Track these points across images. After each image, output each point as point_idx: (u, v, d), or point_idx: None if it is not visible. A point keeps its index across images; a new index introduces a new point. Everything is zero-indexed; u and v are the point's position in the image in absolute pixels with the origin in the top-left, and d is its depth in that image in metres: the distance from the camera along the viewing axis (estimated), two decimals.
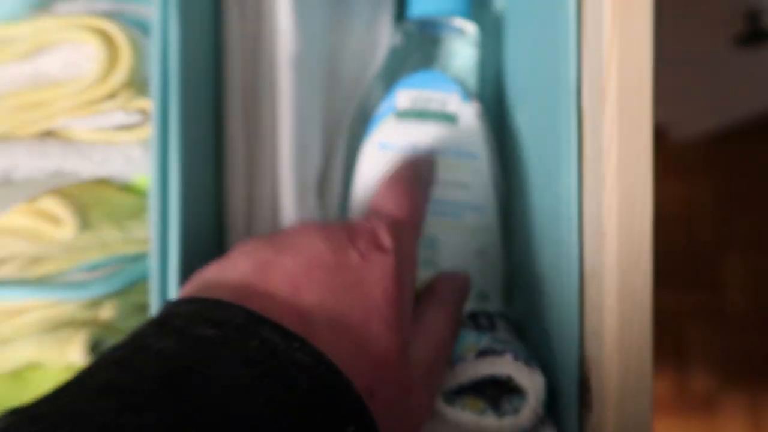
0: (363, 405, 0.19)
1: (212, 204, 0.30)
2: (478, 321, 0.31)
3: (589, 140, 0.24)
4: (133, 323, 0.30)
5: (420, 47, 0.36)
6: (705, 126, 1.11)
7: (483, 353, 0.26)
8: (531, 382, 0.24)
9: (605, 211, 0.22)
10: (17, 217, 0.28)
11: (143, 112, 0.28)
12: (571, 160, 0.25)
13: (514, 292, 0.34)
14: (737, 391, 1.24)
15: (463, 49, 0.36)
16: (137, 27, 0.29)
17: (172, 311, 0.21)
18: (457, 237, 0.33)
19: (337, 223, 0.25)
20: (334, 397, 0.19)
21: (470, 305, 0.32)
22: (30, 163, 0.28)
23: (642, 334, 0.21)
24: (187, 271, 0.26)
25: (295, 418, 0.18)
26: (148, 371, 0.18)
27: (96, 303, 0.30)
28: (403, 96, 0.34)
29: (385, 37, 0.38)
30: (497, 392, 0.25)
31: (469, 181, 0.33)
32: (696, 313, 1.25)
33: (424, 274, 0.32)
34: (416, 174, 0.28)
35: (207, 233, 0.29)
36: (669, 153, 1.24)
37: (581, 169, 0.24)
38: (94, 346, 0.28)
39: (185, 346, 0.19)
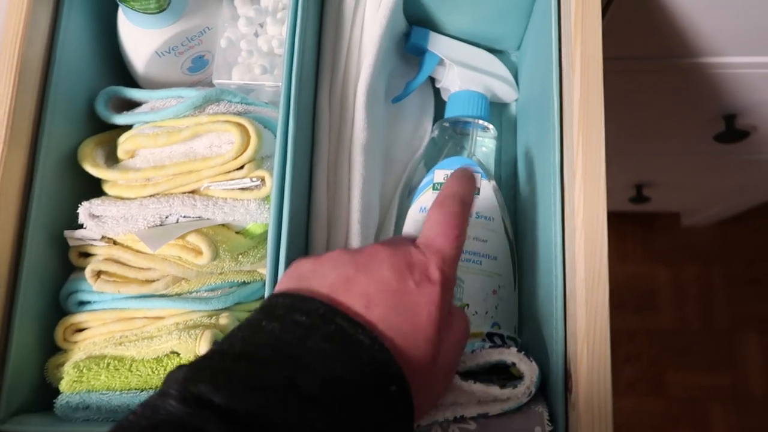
0: (402, 374, 0.28)
1: (303, 245, 0.41)
2: (493, 338, 0.41)
3: (567, 203, 0.35)
4: None
5: (453, 139, 0.48)
6: (713, 212, 1.20)
7: (491, 337, 0.36)
8: (528, 368, 0.34)
9: (576, 251, 0.33)
10: (169, 248, 0.40)
11: (260, 179, 0.41)
12: (557, 218, 0.36)
13: (522, 325, 0.44)
14: None
15: (484, 142, 0.49)
16: (259, 121, 0.42)
17: (274, 303, 0.29)
18: (477, 278, 0.43)
19: (400, 249, 0.32)
20: (383, 365, 0.27)
21: (486, 331, 0.42)
22: (181, 211, 0.40)
23: (601, 332, 0.31)
24: None
25: (358, 375, 0.27)
26: (264, 344, 0.27)
27: (214, 314, 0.41)
28: (439, 174, 0.46)
29: (428, 131, 0.51)
30: (503, 381, 0.35)
31: (487, 236, 0.44)
32: (717, 393, 1.28)
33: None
34: (462, 203, 0.32)
35: None
36: (681, 238, 1.33)
37: (563, 224, 0.36)
38: (214, 343, 0.39)
39: (286, 328, 0.28)
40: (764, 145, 0.74)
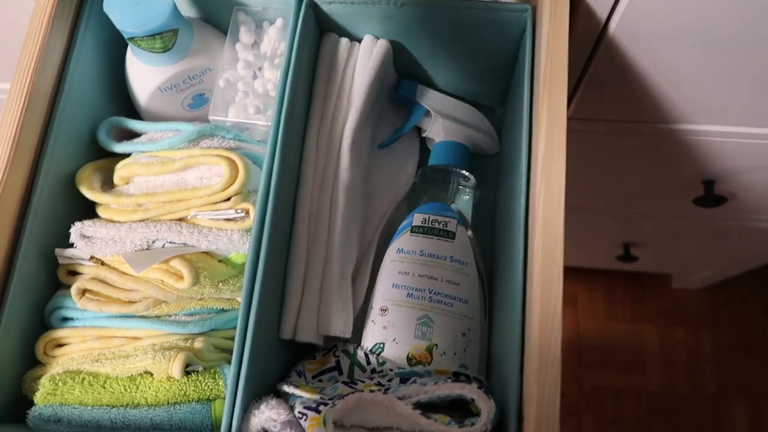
0: None
1: (281, 277, 0.43)
2: (459, 377, 0.42)
3: (528, 252, 0.37)
4: (210, 356, 0.43)
5: (434, 186, 0.51)
6: (702, 276, 1.22)
7: (457, 376, 0.37)
8: (486, 405, 0.35)
9: (533, 297, 0.35)
10: (153, 272, 0.42)
11: (245, 211, 0.43)
12: (520, 266, 0.38)
13: (490, 368, 0.46)
14: None
15: (464, 190, 0.51)
16: (249, 157, 0.44)
17: None
18: (447, 320, 0.45)
19: None
20: None
21: (453, 370, 0.44)
22: (168, 237, 0.42)
23: (553, 375, 0.33)
24: (261, 321, 0.38)
25: None
26: None
27: (190, 338, 0.42)
28: (418, 217, 0.48)
29: (411, 177, 0.53)
30: (462, 416, 0.36)
31: (460, 280, 0.46)
32: None
33: (420, 344, 0.44)
34: None
35: (275, 295, 0.42)
36: (671, 300, 1.34)
37: (525, 271, 0.37)
38: (187, 366, 0.40)
39: None
40: (742, 212, 0.77)
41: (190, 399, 0.39)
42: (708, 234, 0.88)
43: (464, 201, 0.51)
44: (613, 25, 0.43)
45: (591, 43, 0.47)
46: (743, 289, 1.32)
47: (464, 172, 0.51)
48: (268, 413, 0.36)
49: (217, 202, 0.43)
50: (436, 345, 0.44)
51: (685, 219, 0.82)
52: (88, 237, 0.43)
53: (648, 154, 0.65)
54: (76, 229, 0.43)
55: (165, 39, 0.43)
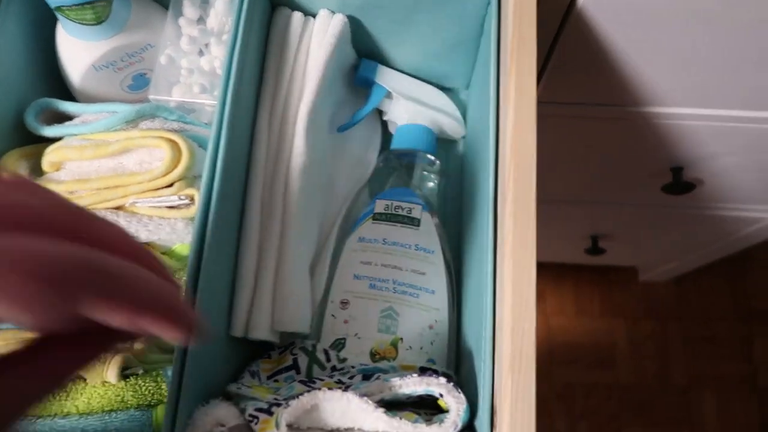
0: None
1: (230, 268, 0.39)
2: (426, 372, 0.39)
3: (499, 233, 0.34)
4: (153, 357, 0.39)
5: (397, 171, 0.48)
6: (669, 268, 1.22)
7: (424, 371, 0.34)
8: (455, 400, 0.32)
9: (505, 279, 0.32)
10: None
11: (189, 197, 0.39)
12: (489, 248, 0.35)
13: (460, 362, 0.43)
14: None
15: (429, 175, 0.48)
16: (195, 140, 0.41)
17: None
18: (413, 312, 0.42)
19: None
20: None
21: (420, 366, 0.41)
22: None
23: (527, 362, 0.30)
24: (205, 315, 0.35)
25: None
26: None
27: None
28: (380, 204, 0.45)
29: (373, 162, 0.50)
30: (431, 413, 0.33)
31: (426, 269, 0.43)
32: None
33: (384, 338, 0.41)
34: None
35: (224, 289, 0.39)
36: (638, 294, 1.34)
37: (495, 254, 0.35)
38: (126, 369, 0.36)
39: None
40: (709, 200, 0.76)
41: (128, 405, 0.35)
42: (675, 223, 0.88)
43: (429, 188, 0.48)
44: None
45: (558, 20, 0.45)
46: (709, 280, 1.33)
47: (429, 156, 0.48)
48: (215, 417, 0.32)
49: (158, 188, 0.39)
50: (402, 339, 0.41)
51: (653, 208, 0.81)
52: None
53: (617, 140, 0.63)
54: None
55: (97, 9, 0.39)
